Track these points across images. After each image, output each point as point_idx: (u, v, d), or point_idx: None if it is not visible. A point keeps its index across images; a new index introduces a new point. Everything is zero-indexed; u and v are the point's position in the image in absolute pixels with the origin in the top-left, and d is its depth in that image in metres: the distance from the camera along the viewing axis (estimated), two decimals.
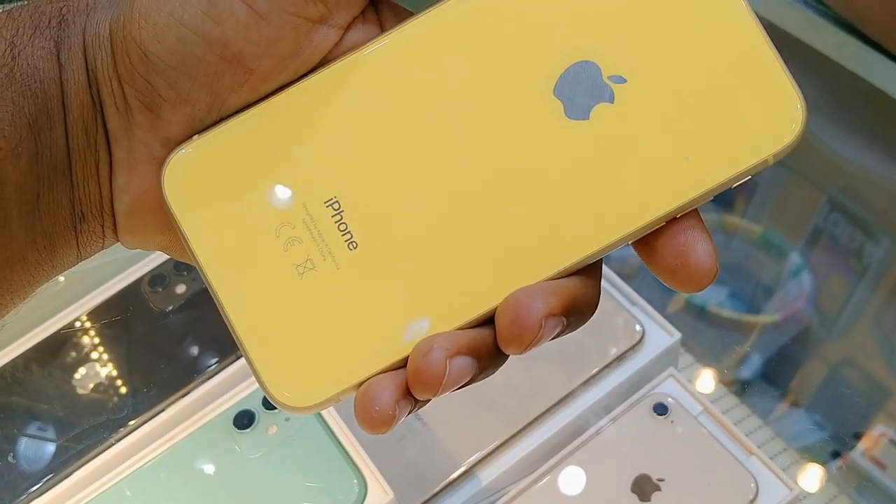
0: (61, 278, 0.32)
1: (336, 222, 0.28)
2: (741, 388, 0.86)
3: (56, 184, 0.29)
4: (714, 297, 0.90)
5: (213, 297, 0.28)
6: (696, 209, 0.28)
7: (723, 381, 0.84)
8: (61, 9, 0.29)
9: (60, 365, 0.62)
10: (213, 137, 0.29)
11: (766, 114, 0.27)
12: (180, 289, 0.65)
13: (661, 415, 0.60)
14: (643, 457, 0.58)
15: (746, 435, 0.71)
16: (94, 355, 0.62)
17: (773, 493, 0.58)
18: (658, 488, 0.57)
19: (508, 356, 0.28)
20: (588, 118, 0.28)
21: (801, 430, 0.84)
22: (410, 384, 0.27)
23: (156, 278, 0.65)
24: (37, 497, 0.57)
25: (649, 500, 0.57)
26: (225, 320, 0.28)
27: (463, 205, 0.28)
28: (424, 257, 0.28)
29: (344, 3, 0.28)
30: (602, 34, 0.28)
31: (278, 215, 0.28)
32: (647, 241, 0.28)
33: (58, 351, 0.62)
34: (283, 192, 0.28)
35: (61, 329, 0.64)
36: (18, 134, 0.27)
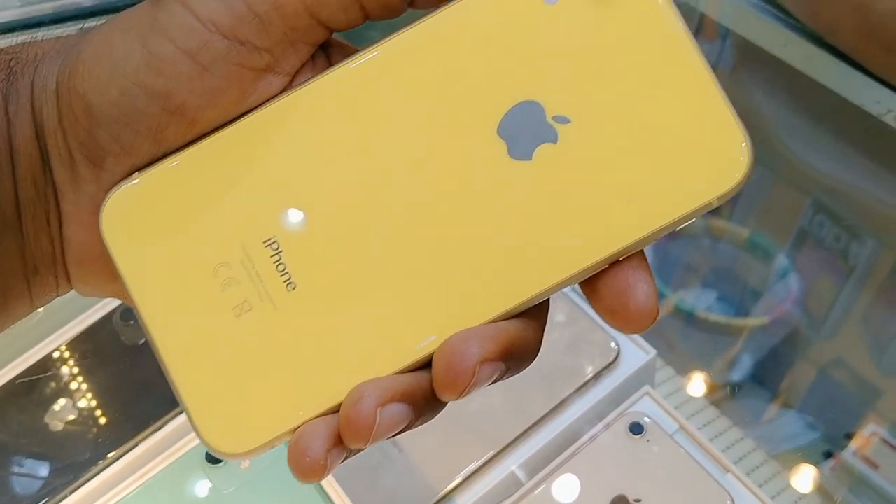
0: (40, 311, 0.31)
1: (274, 262, 0.27)
2: (731, 392, 0.85)
3: (5, 237, 0.28)
4: (702, 302, 0.90)
5: (148, 338, 0.27)
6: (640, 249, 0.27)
7: (710, 387, 0.84)
8: (10, 61, 0.28)
9: (30, 401, 0.61)
10: (151, 176, 0.28)
11: (710, 155, 0.26)
12: None
13: (636, 434, 0.59)
14: (620, 477, 0.57)
15: (728, 447, 0.70)
16: (65, 391, 0.61)
17: None
18: None
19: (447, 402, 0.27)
20: (531, 159, 0.27)
21: (792, 432, 0.83)
22: (342, 433, 0.26)
23: (127, 312, 0.63)
24: None
25: None
26: (160, 362, 0.27)
27: (402, 246, 0.27)
28: (362, 299, 0.27)
29: (291, 51, 0.27)
30: (546, 74, 0.27)
31: (216, 255, 0.27)
32: (590, 281, 0.27)
33: (28, 387, 0.61)
34: (220, 232, 0.28)
35: (31, 365, 0.63)
36: None
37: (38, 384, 0.61)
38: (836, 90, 0.58)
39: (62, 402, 0.61)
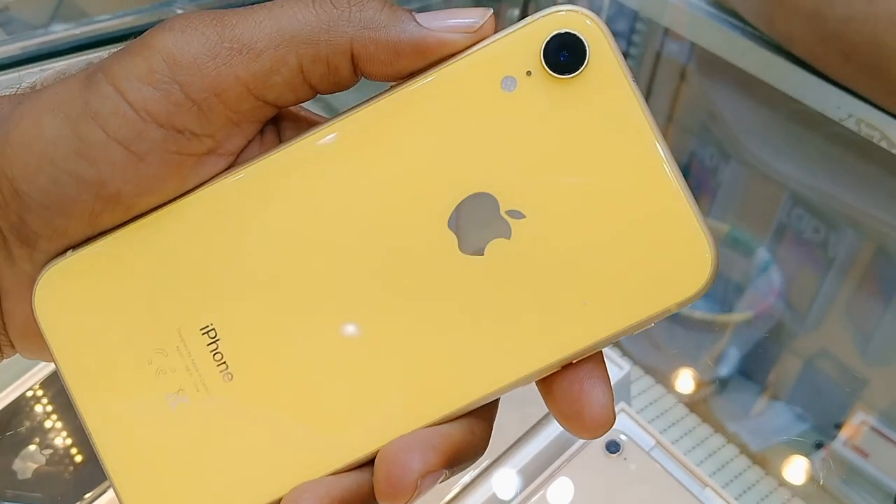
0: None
1: (211, 351, 0.26)
2: (719, 387, 0.85)
3: None
4: None
5: (81, 424, 0.26)
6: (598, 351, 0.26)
7: (698, 384, 0.84)
8: None
9: (2, 443, 0.60)
10: (86, 253, 0.26)
11: (672, 260, 0.24)
12: None
13: (613, 453, 0.58)
14: (598, 497, 0.57)
15: (710, 455, 0.70)
16: (41, 431, 0.60)
17: None
18: None
19: None
20: (483, 254, 0.25)
21: (782, 424, 0.83)
22: None
23: None
24: None
25: None
26: (93, 448, 0.26)
27: (345, 341, 0.26)
28: (302, 394, 0.26)
29: (236, 132, 0.26)
30: (501, 165, 0.25)
31: (151, 340, 0.26)
32: (545, 382, 0.26)
33: (4, 426, 0.60)
34: (156, 316, 0.26)
35: (4, 407, 0.61)
36: None
37: (14, 423, 0.61)
38: (796, 97, 0.58)
39: (32, 446, 0.60)
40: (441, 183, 0.25)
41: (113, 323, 0.26)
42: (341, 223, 0.26)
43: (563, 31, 0.25)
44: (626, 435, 0.59)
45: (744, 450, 0.76)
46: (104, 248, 0.27)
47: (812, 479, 0.77)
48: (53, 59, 0.65)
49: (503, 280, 0.25)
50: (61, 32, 0.65)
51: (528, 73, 0.25)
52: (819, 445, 0.80)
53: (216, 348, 0.26)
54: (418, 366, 0.26)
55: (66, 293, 0.27)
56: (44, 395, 0.63)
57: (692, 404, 0.79)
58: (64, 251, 0.27)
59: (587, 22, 0.25)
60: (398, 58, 0.25)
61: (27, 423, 0.61)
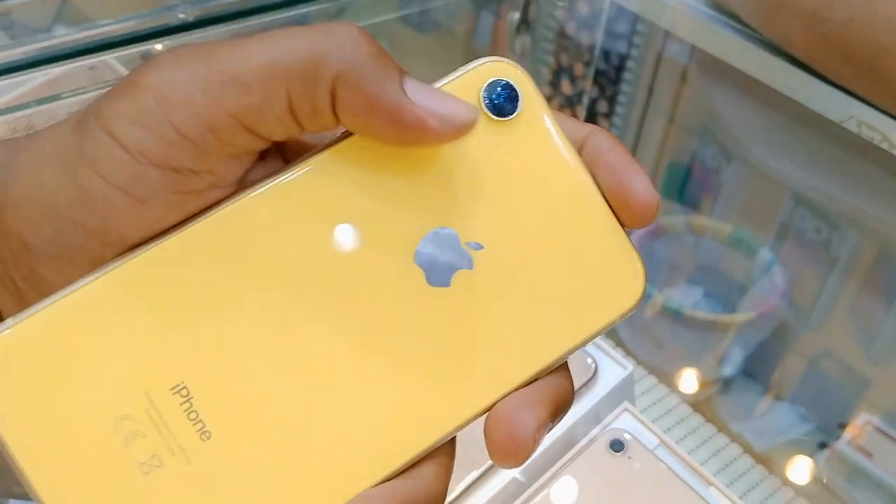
0: None
1: (185, 411, 0.24)
2: (723, 387, 0.85)
3: None
4: (689, 299, 0.89)
5: None
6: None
7: (702, 384, 0.84)
8: None
9: None
10: (35, 319, 0.24)
11: (609, 279, 0.27)
12: None
13: (617, 451, 0.58)
14: (602, 496, 0.57)
15: (715, 454, 0.70)
16: None
17: None
18: None
19: None
20: (449, 285, 0.26)
21: (786, 424, 0.83)
22: None
23: None
24: None
25: None
26: None
27: (326, 385, 0.25)
28: (288, 445, 0.25)
29: (234, 164, 0.25)
30: (457, 201, 0.27)
31: (115, 407, 0.24)
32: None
33: None
34: (120, 381, 0.24)
35: None
36: None
37: None
38: (797, 98, 0.58)
39: None
40: (403, 222, 0.26)
41: (69, 394, 0.24)
42: (311, 266, 0.26)
43: (497, 78, 0.27)
44: (630, 434, 0.59)
45: (747, 449, 0.76)
46: (54, 310, 0.25)
47: (816, 479, 0.77)
48: (56, 64, 0.65)
49: (469, 308, 0.26)
50: (64, 37, 0.65)
51: None
52: (823, 445, 0.80)
53: (190, 407, 0.25)
54: (394, 403, 0.26)
55: (11, 366, 0.24)
56: None
57: (696, 404, 0.79)
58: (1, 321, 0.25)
59: (514, 69, 0.27)
60: (371, 115, 0.25)
61: None
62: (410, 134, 0.25)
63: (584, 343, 0.27)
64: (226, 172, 0.25)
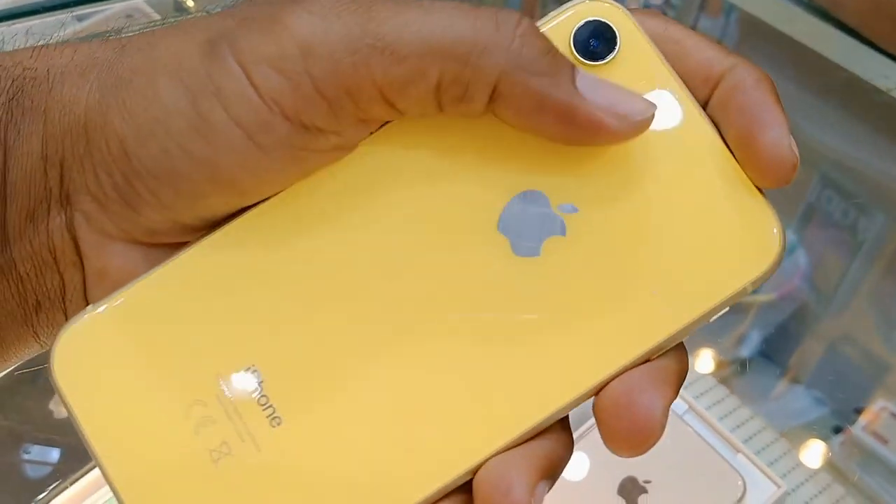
0: None
1: (255, 395, 0.23)
2: (741, 368, 0.85)
3: None
4: None
5: (115, 495, 0.23)
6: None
7: (719, 364, 0.83)
8: (13, 80, 0.24)
9: (35, 389, 0.59)
10: (108, 310, 0.24)
11: (739, 237, 0.23)
12: None
13: None
14: (629, 459, 0.57)
15: (738, 426, 0.70)
16: None
17: (760, 490, 0.56)
18: (645, 490, 0.55)
19: None
20: (539, 254, 0.24)
21: (801, 407, 0.82)
22: None
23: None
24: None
25: (636, 502, 0.55)
26: None
27: (403, 369, 0.23)
28: (361, 434, 0.23)
29: (363, 128, 0.24)
30: (546, 160, 0.24)
31: (187, 392, 0.24)
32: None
33: (32, 376, 0.59)
34: (191, 365, 0.24)
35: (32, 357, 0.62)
36: None
37: (41, 373, 0.60)
38: (844, 65, 0.57)
39: None
40: (486, 185, 0.24)
41: (142, 380, 0.24)
42: (387, 241, 0.24)
43: (589, 19, 0.24)
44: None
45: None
46: (125, 301, 0.24)
47: (829, 463, 0.76)
48: (26, 19, 0.63)
49: (565, 280, 0.24)
50: None
51: None
52: (838, 430, 0.80)
53: (260, 391, 0.24)
54: (489, 384, 0.24)
55: (86, 354, 0.24)
56: None
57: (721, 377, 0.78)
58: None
59: (611, 8, 0.24)
60: (539, 113, 0.23)
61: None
62: (583, 134, 0.23)
63: (709, 316, 0.23)
64: (353, 135, 0.24)
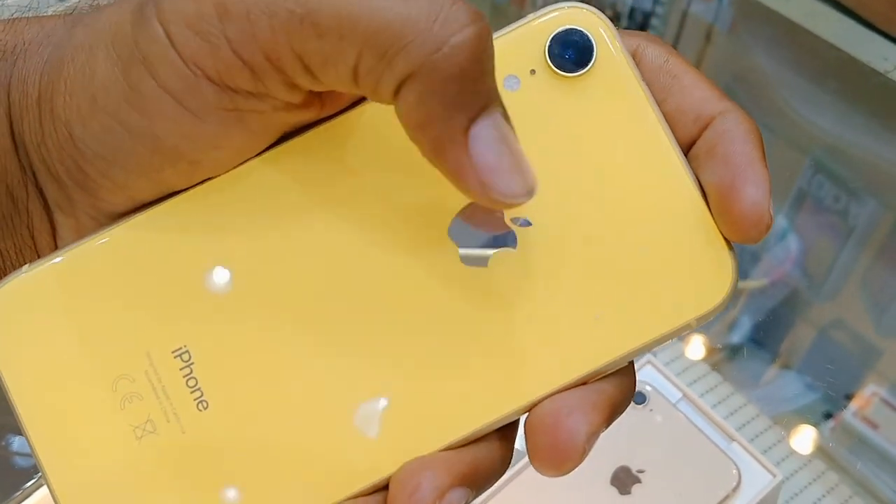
0: None
1: (184, 376, 0.23)
2: (732, 354, 0.84)
3: None
4: None
5: (34, 458, 0.23)
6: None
7: (710, 350, 0.82)
8: None
9: None
10: (46, 270, 0.23)
11: (690, 269, 0.22)
12: None
13: (639, 404, 0.57)
14: (622, 448, 0.55)
15: (731, 413, 0.68)
16: None
17: (755, 479, 0.54)
18: (638, 480, 0.54)
19: None
20: (486, 265, 0.23)
21: (792, 393, 0.82)
22: None
23: None
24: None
25: (629, 492, 0.53)
26: (48, 487, 0.23)
27: (337, 363, 0.23)
28: (288, 425, 0.23)
29: (295, 93, 0.22)
30: None
31: (116, 366, 0.23)
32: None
33: None
34: (122, 338, 0.23)
35: None
36: None
37: None
38: (841, 46, 0.56)
39: None
40: (443, 188, 0.22)
41: (73, 347, 0.23)
42: (332, 231, 0.23)
43: (568, 27, 0.23)
44: (651, 386, 0.57)
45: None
46: (65, 263, 0.23)
47: (821, 448, 0.76)
48: None
49: (507, 293, 0.23)
50: None
51: (532, 71, 0.23)
52: (828, 416, 0.79)
53: (189, 373, 0.23)
54: (417, 389, 0.23)
55: (19, 314, 0.23)
56: None
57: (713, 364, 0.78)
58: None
59: (593, 18, 0.23)
60: (418, 132, 0.21)
61: None
62: (451, 178, 0.21)
63: (650, 346, 0.23)
64: (288, 98, 0.22)
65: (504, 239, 0.23)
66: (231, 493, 0.23)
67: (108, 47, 0.22)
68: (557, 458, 0.22)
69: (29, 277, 0.23)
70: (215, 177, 0.23)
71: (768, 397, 0.79)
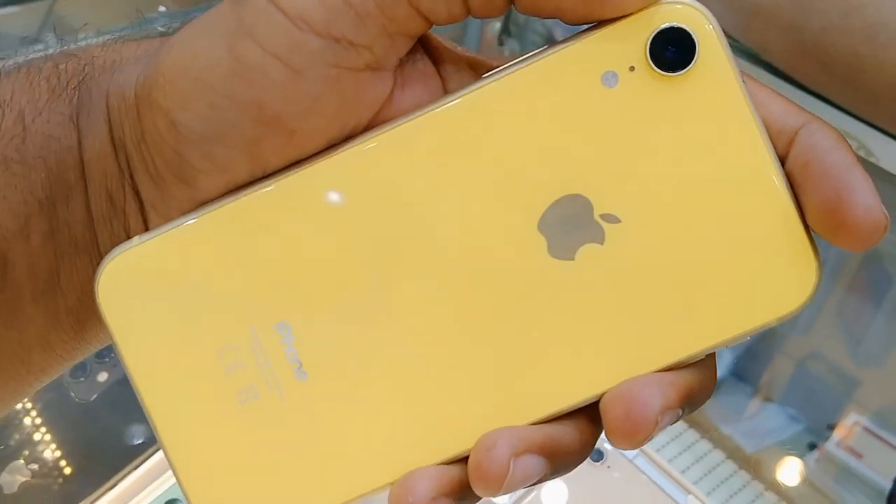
0: None
1: (285, 348, 0.24)
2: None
3: (78, 259, 0.26)
4: None
5: (147, 417, 0.25)
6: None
7: None
8: (83, 67, 0.25)
9: None
10: (156, 242, 0.25)
11: (775, 272, 0.23)
12: (102, 377, 0.62)
13: (596, 461, 0.58)
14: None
15: (697, 460, 0.69)
16: (22, 452, 0.60)
17: None
18: None
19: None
20: (573, 259, 0.23)
21: (775, 425, 0.82)
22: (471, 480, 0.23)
23: (77, 369, 0.62)
24: None
25: None
26: (160, 444, 0.25)
27: (428, 345, 0.24)
28: (377, 400, 0.24)
29: (390, 46, 0.24)
30: (597, 166, 0.23)
31: (222, 336, 0.25)
32: None
33: None
34: (229, 310, 0.25)
35: None
36: (27, 212, 0.25)
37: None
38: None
39: (16, 465, 0.60)
40: (532, 182, 0.23)
41: (182, 315, 0.25)
42: (426, 219, 0.24)
43: (671, 24, 0.23)
44: (609, 443, 0.58)
45: (731, 454, 0.75)
46: (174, 235, 0.25)
47: (806, 479, 0.76)
48: None
49: (593, 288, 0.23)
50: (41, 52, 0.64)
51: (632, 68, 0.23)
52: (812, 446, 0.79)
53: (289, 345, 0.24)
54: (498, 373, 0.24)
55: (132, 282, 0.25)
56: (33, 408, 0.62)
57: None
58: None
59: (698, 16, 0.23)
60: None
61: (16, 437, 0.61)
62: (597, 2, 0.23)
63: (731, 342, 0.23)
64: (382, 52, 0.24)
65: (592, 234, 0.23)
66: (327, 454, 0.24)
67: (208, 33, 0.24)
68: (630, 427, 0.22)
69: (140, 249, 0.25)
70: (310, 158, 0.25)
71: (752, 431, 0.80)
